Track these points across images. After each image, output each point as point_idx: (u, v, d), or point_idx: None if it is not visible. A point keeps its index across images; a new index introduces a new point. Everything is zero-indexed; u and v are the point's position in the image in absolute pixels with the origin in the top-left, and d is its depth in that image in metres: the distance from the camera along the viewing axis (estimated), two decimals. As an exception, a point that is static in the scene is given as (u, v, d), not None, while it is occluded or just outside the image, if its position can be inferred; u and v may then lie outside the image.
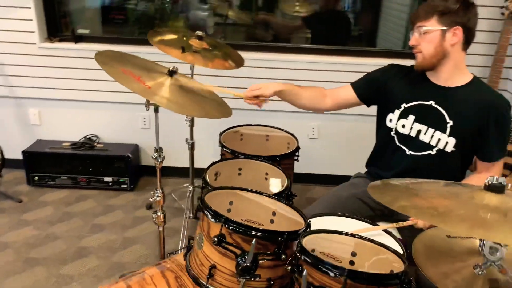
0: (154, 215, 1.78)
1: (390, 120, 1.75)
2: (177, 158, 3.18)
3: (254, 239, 1.09)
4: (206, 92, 1.72)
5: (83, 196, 2.94)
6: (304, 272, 0.99)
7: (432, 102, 1.65)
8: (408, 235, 1.51)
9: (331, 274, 0.99)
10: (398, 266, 1.10)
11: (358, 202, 1.76)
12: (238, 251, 1.13)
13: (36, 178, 2.97)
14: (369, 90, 1.82)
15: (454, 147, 1.61)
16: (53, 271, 2.23)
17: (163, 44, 1.88)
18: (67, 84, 2.99)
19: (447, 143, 1.62)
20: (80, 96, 3.02)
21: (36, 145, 3.04)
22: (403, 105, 1.71)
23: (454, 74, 1.63)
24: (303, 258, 1.06)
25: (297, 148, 2.20)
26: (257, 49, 3.01)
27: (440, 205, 0.88)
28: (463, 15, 1.55)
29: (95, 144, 3.06)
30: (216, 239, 1.14)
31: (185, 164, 3.15)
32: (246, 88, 1.85)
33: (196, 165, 2.94)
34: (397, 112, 1.72)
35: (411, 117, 1.69)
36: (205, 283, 1.19)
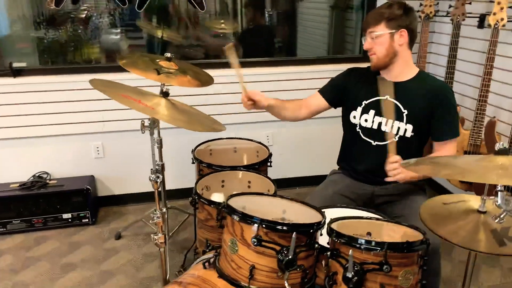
0: (155, 237, 1.77)
1: (354, 117, 1.95)
2: (135, 184, 3.14)
3: (294, 233, 1.19)
4: (189, 108, 1.78)
5: (41, 238, 2.76)
6: (350, 252, 1.11)
7: (387, 97, 1.87)
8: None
9: (372, 249, 1.13)
10: (414, 236, 1.26)
11: (342, 198, 1.93)
12: (277, 247, 1.22)
13: (-16, 227, 2.74)
14: (335, 94, 2.02)
15: (412, 132, 1.84)
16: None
17: (136, 68, 1.90)
18: (8, 122, 2.80)
19: (406, 130, 1.85)
20: (23, 133, 2.85)
21: (-21, 191, 2.79)
22: (364, 102, 1.92)
23: (403, 70, 1.87)
24: (339, 241, 1.18)
25: (270, 155, 2.33)
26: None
27: (467, 168, 1.08)
28: (405, 19, 1.80)
29: (47, 181, 2.90)
30: (255, 240, 1.22)
31: (146, 189, 3.13)
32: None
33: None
34: (359, 109, 1.93)
35: (372, 112, 1.90)
36: (247, 285, 1.26)
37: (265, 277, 1.26)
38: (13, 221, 2.78)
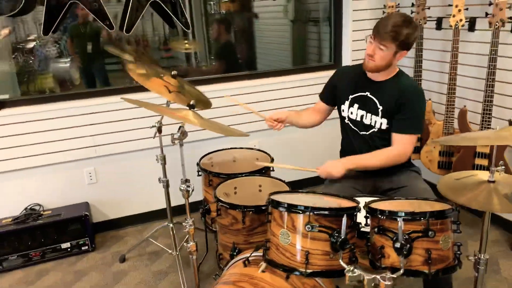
0: (187, 245, 1.83)
1: (343, 110, 2.16)
2: (130, 206, 3.14)
3: (345, 215, 1.33)
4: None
5: (42, 271, 2.69)
6: (400, 223, 1.27)
7: (368, 93, 2.08)
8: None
9: (416, 219, 1.29)
10: (442, 206, 1.45)
11: (351, 189, 2.10)
12: (329, 231, 1.36)
13: (-20, 266, 2.63)
14: (329, 94, 2.21)
15: (387, 124, 2.05)
16: None
17: (148, 85, 1.99)
18: (-5, 156, 2.74)
19: (381, 123, 2.06)
20: (11, 165, 2.78)
21: (-30, 230, 2.68)
22: (350, 96, 2.12)
23: (386, 73, 2.07)
24: (384, 217, 1.34)
25: (272, 160, 2.47)
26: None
27: (492, 137, 1.29)
28: (413, 42, 1.94)
29: (41, 212, 2.83)
30: (310, 226, 1.34)
31: (142, 210, 3.15)
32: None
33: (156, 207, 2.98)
34: (347, 103, 2.13)
35: (356, 105, 2.11)
36: (304, 270, 1.37)
37: (319, 260, 1.38)
38: (10, 257, 2.69)
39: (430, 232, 1.27)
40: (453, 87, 2.76)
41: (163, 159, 2.49)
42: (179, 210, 2.76)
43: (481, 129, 2.62)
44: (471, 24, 2.76)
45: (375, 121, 2.05)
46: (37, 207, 2.90)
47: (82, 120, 2.83)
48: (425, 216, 1.29)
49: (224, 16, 3.56)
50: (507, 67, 2.59)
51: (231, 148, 2.66)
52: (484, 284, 1.63)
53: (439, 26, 3.03)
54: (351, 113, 2.12)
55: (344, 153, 2.30)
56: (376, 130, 2.06)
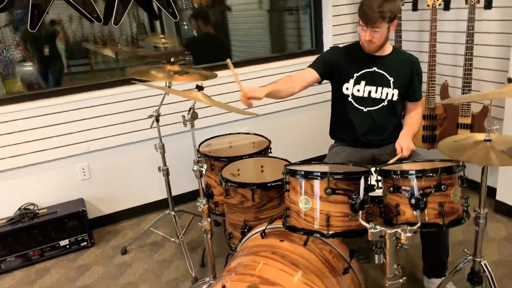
0: (202, 224, 1.88)
1: (347, 89, 2.23)
2: (126, 200, 3.14)
3: (362, 177, 1.41)
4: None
5: (43, 269, 2.66)
6: (415, 181, 1.36)
7: (375, 68, 2.19)
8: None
9: (428, 176, 1.39)
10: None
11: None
12: (348, 193, 1.44)
13: (-22, 270, 2.57)
14: (326, 68, 2.25)
15: (398, 95, 2.18)
16: None
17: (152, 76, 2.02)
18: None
19: (393, 94, 2.18)
20: (2, 166, 2.73)
21: (-36, 234, 2.61)
22: (355, 75, 2.21)
23: (385, 47, 2.18)
24: (397, 177, 1.43)
25: (270, 142, 2.53)
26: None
27: (496, 93, 1.40)
28: (398, 10, 2.07)
29: (37, 211, 2.79)
30: (330, 190, 1.42)
31: (137, 203, 3.15)
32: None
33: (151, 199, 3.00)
34: (352, 81, 2.21)
35: (363, 82, 2.20)
36: (326, 232, 1.45)
37: (339, 222, 1.46)
38: (8, 259, 2.65)
39: (442, 186, 1.38)
40: (433, 65, 2.91)
41: (162, 147, 2.51)
42: (175, 200, 2.78)
43: (462, 102, 2.78)
44: (446, 3, 2.92)
45: (387, 93, 2.16)
46: (31, 207, 2.85)
47: (73, 116, 2.81)
48: (437, 172, 1.40)
49: (200, 9, 3.57)
50: (484, 42, 2.75)
51: (227, 134, 2.71)
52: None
53: (415, 8, 3.18)
54: (358, 90, 2.19)
55: (335, 132, 2.39)
56: (386, 103, 2.17)
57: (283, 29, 3.96)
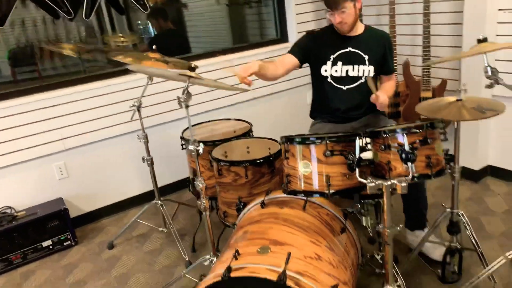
0: (200, 202, 1.93)
1: (325, 71, 2.35)
2: (106, 196, 3.11)
3: (357, 137, 1.54)
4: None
5: (27, 272, 2.59)
6: (404, 137, 1.50)
7: (349, 48, 2.32)
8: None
9: (415, 132, 1.54)
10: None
11: None
12: (345, 154, 1.56)
13: (-41, 278, 2.46)
14: (302, 54, 2.37)
15: (374, 71, 2.33)
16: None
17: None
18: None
19: (369, 71, 2.32)
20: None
21: None
22: (332, 57, 2.34)
23: (357, 27, 2.33)
24: (388, 135, 1.57)
25: (251, 125, 2.62)
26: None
27: (470, 52, 1.58)
28: None
29: (16, 214, 2.71)
30: (329, 152, 1.53)
31: (118, 198, 3.13)
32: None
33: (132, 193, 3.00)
34: (329, 63, 2.34)
35: (340, 63, 2.33)
36: (327, 191, 1.56)
37: (339, 181, 1.58)
38: (-12, 265, 2.56)
39: (429, 139, 1.53)
40: (394, 45, 3.11)
41: (145, 137, 2.53)
42: (164, 191, 2.81)
43: (423, 78, 3.01)
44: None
45: (363, 70, 2.29)
46: (8, 210, 2.76)
47: (45, 114, 2.75)
48: (423, 127, 1.55)
49: (159, 7, 3.59)
50: (438, 21, 2.99)
51: (208, 121, 2.77)
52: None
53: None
54: (336, 71, 2.31)
55: (316, 112, 2.51)
56: (363, 79, 2.29)
57: (245, 21, 4.06)
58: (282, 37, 3.74)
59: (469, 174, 2.98)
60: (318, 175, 1.59)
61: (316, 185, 1.59)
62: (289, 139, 1.63)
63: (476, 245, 1.97)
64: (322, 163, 1.58)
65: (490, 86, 1.55)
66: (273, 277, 1.35)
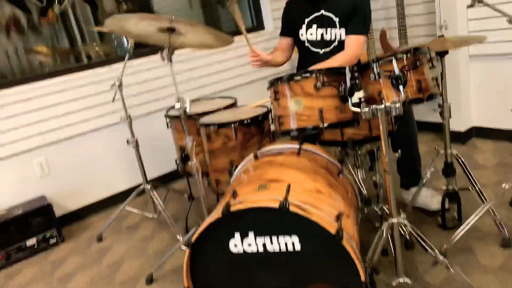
0: (191, 163, 1.86)
1: (302, 35, 2.35)
2: (90, 193, 2.99)
3: (347, 67, 1.52)
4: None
5: (13, 272, 2.45)
6: (394, 62, 1.49)
7: (322, 11, 2.32)
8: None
9: (401, 58, 1.53)
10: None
11: None
12: (336, 84, 1.54)
13: None
14: (287, 27, 2.37)
15: (345, 34, 2.34)
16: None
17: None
18: None
19: (341, 34, 2.32)
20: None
21: None
22: (306, 20, 2.34)
23: None
24: (379, 63, 1.56)
25: (236, 100, 2.59)
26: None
27: None
28: None
29: (-4, 213, 2.58)
30: (320, 84, 1.51)
31: (104, 195, 3.02)
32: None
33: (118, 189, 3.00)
34: (304, 26, 2.34)
35: (314, 26, 2.33)
36: (321, 125, 1.53)
37: (332, 114, 1.55)
38: (-31, 268, 2.41)
39: (417, 62, 1.53)
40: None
41: (129, 117, 2.46)
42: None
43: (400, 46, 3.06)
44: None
45: (335, 34, 2.27)
46: (-13, 210, 2.63)
47: (23, 108, 2.66)
48: (410, 51, 1.54)
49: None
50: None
51: (192, 100, 2.71)
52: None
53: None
54: (311, 34, 2.31)
55: None
56: (336, 43, 2.27)
57: (218, 14, 4.09)
58: (258, 25, 3.76)
59: (455, 137, 2.99)
60: (311, 109, 1.56)
61: (310, 120, 1.56)
62: (278, 79, 1.60)
63: (473, 183, 1.95)
64: (313, 97, 1.55)
65: (471, 6, 1.56)
66: (275, 205, 1.30)
